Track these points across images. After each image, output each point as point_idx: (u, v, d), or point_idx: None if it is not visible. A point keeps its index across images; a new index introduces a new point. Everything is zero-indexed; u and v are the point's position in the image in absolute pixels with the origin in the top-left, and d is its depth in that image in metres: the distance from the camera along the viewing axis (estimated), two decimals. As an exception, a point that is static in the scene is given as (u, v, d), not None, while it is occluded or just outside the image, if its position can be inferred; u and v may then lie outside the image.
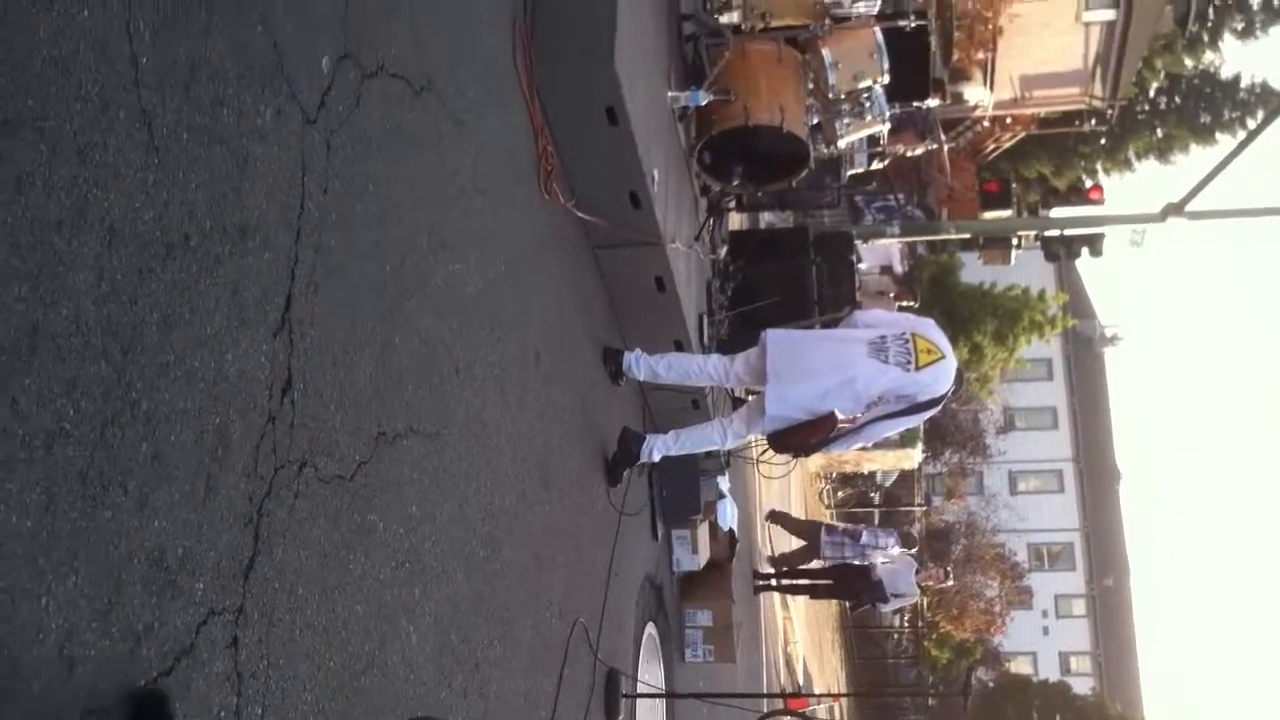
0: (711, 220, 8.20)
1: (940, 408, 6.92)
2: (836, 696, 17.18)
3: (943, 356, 6.67)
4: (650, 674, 7.84)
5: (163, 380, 2.62)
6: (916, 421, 7.20)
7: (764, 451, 7.55)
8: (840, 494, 32.02)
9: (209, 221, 2.82)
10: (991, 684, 39.26)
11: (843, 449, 7.08)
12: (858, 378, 6.50)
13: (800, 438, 6.82)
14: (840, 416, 6.61)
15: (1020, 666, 45.85)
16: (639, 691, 7.33)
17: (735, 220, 10.77)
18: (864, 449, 24.00)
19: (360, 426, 3.57)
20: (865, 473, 29.83)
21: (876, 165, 11.97)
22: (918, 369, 6.56)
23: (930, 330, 6.80)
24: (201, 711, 2.71)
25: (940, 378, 6.65)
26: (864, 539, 13.93)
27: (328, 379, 3.37)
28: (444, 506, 4.25)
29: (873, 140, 8.97)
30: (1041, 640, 48.98)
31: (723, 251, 8.80)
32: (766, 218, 14.75)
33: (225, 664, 2.82)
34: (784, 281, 8.82)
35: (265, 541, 3.01)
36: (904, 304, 21.21)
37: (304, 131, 3.27)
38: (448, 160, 4.40)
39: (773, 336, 6.63)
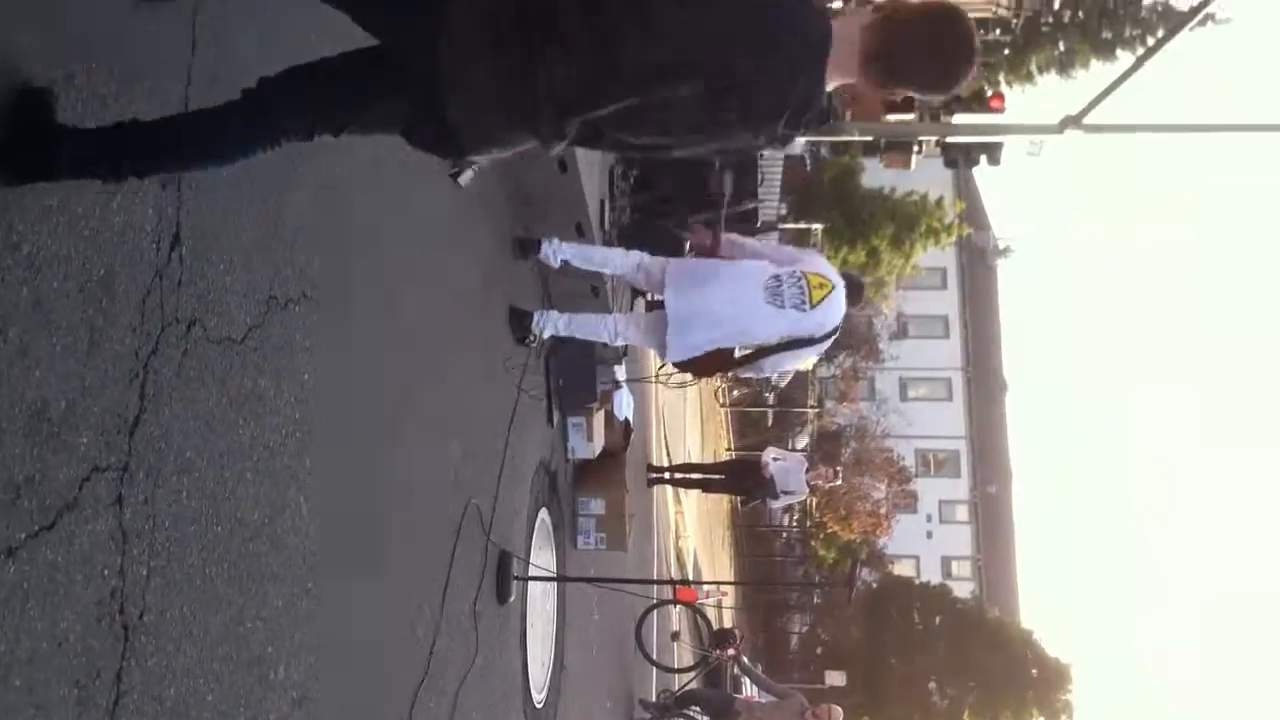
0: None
1: (834, 338, 7.26)
2: (724, 587, 17.47)
3: (834, 287, 6.99)
4: (542, 559, 7.88)
5: (44, 225, 2.52)
6: (816, 353, 7.48)
7: (662, 368, 7.89)
8: (736, 392, 32.30)
9: (95, 62, 2.70)
10: (875, 585, 40.19)
11: (744, 374, 7.43)
12: (752, 329, 6.91)
13: (699, 366, 7.32)
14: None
15: (903, 569, 46.97)
16: (531, 574, 7.37)
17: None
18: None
19: (251, 289, 3.49)
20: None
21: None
22: (812, 307, 6.90)
23: (818, 263, 7.06)
24: (84, 568, 2.65)
25: (833, 310, 6.98)
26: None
27: (218, 236, 3.27)
28: (337, 376, 4.19)
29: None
30: (925, 544, 50.16)
31: (627, 139, 8.70)
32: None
33: (109, 522, 2.76)
34: (688, 172, 8.75)
35: (152, 399, 2.94)
36: None
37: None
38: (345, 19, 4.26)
39: (671, 293, 6.82)
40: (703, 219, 8.84)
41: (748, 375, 7.26)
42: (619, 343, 7.59)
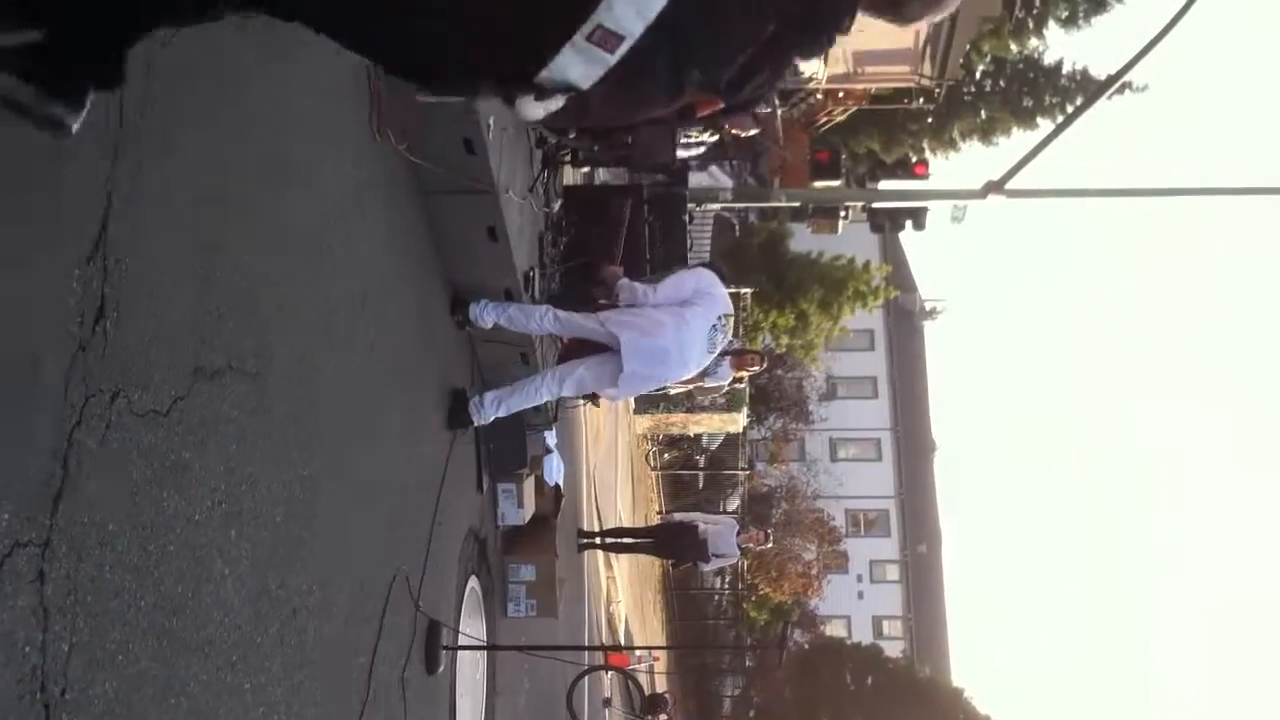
0: (546, 173, 8.16)
1: None
2: (655, 652, 17.39)
3: (732, 313, 7.76)
4: (472, 627, 7.82)
5: (-34, 300, 2.51)
6: None
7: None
8: (666, 456, 32.30)
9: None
10: (807, 646, 40.16)
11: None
12: (689, 372, 7.67)
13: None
14: None
15: (835, 630, 46.98)
16: (460, 643, 7.32)
17: (570, 175, 10.73)
18: (688, 412, 24.25)
19: (177, 360, 3.47)
20: (692, 435, 30.13)
21: (709, 138, 12.03)
22: (726, 339, 7.76)
23: (726, 298, 7.64)
24: (5, 647, 2.61)
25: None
26: None
27: (143, 308, 3.25)
28: (263, 447, 4.16)
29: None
30: (856, 604, 50.23)
31: (556, 205, 8.75)
32: (601, 174, 14.73)
33: (30, 598, 2.72)
34: (616, 238, 8.81)
35: (74, 473, 2.91)
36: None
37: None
38: (276, 93, 4.28)
39: (630, 356, 7.18)
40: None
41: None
42: (564, 393, 7.73)
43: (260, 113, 4.15)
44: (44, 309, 2.79)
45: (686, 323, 7.25)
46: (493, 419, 7.50)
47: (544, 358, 8.38)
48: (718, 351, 7.63)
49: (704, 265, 7.97)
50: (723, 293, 7.55)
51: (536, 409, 8.53)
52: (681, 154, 12.75)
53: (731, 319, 7.69)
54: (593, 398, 8.58)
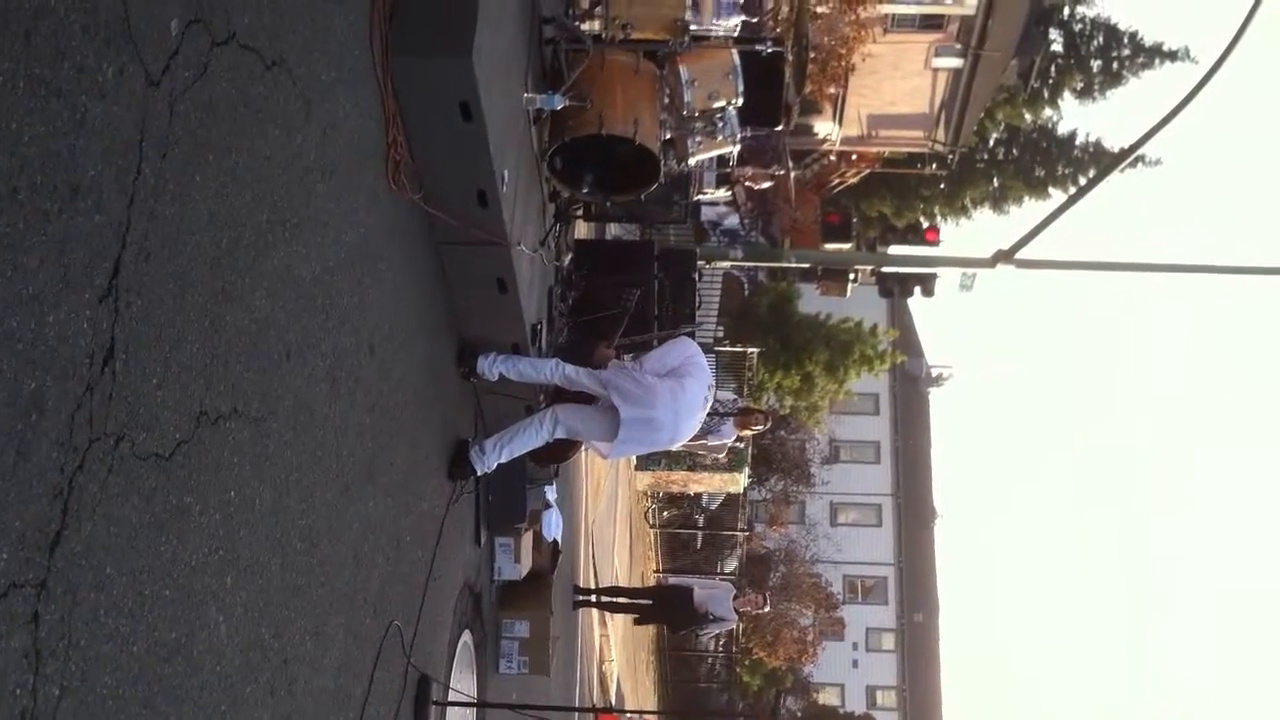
0: (558, 226, 8.17)
1: None
2: (646, 714, 17.23)
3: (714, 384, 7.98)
4: (463, 682, 7.75)
5: (-24, 340, 2.49)
6: None
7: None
8: (665, 514, 32.16)
9: (39, 177, 2.70)
10: (799, 714, 39.81)
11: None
12: (682, 439, 7.82)
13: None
14: None
15: (828, 697, 46.61)
16: (450, 699, 7.25)
17: (582, 229, 10.76)
18: (690, 470, 24.20)
19: (182, 404, 3.45)
20: (692, 494, 30.03)
21: (724, 193, 12.07)
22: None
23: (701, 361, 7.76)
24: (-6, 688, 2.58)
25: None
26: None
27: (152, 352, 3.25)
28: (263, 494, 4.14)
29: (722, 160, 9.07)
30: (850, 672, 49.82)
31: (567, 259, 8.77)
32: (613, 229, 14.77)
33: (24, 640, 2.70)
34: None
35: (74, 515, 2.89)
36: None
37: (146, 93, 3.15)
38: (294, 140, 4.29)
39: (626, 424, 7.32)
40: (636, 338, 8.97)
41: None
42: (559, 435, 7.69)
43: (276, 157, 4.15)
44: (54, 349, 2.77)
45: (685, 391, 7.42)
46: (495, 465, 7.49)
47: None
48: (706, 413, 7.82)
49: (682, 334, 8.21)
50: (705, 363, 7.72)
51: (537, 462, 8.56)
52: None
53: (714, 389, 7.88)
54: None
